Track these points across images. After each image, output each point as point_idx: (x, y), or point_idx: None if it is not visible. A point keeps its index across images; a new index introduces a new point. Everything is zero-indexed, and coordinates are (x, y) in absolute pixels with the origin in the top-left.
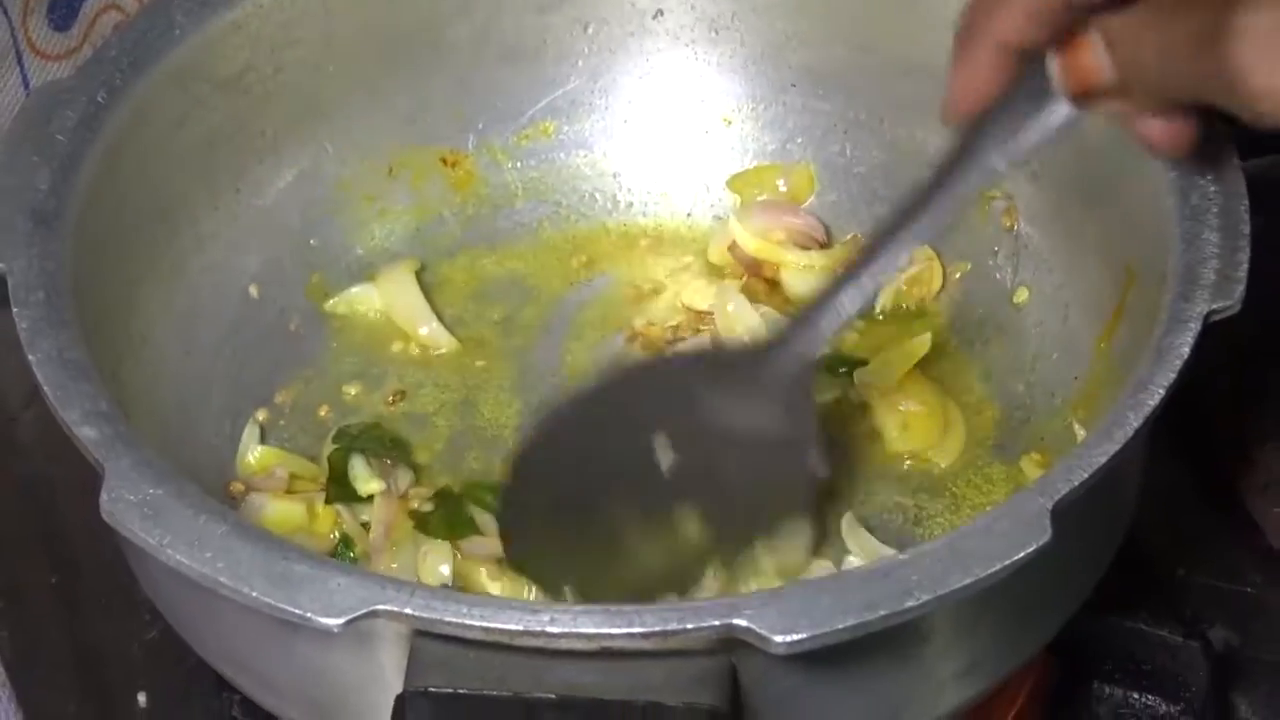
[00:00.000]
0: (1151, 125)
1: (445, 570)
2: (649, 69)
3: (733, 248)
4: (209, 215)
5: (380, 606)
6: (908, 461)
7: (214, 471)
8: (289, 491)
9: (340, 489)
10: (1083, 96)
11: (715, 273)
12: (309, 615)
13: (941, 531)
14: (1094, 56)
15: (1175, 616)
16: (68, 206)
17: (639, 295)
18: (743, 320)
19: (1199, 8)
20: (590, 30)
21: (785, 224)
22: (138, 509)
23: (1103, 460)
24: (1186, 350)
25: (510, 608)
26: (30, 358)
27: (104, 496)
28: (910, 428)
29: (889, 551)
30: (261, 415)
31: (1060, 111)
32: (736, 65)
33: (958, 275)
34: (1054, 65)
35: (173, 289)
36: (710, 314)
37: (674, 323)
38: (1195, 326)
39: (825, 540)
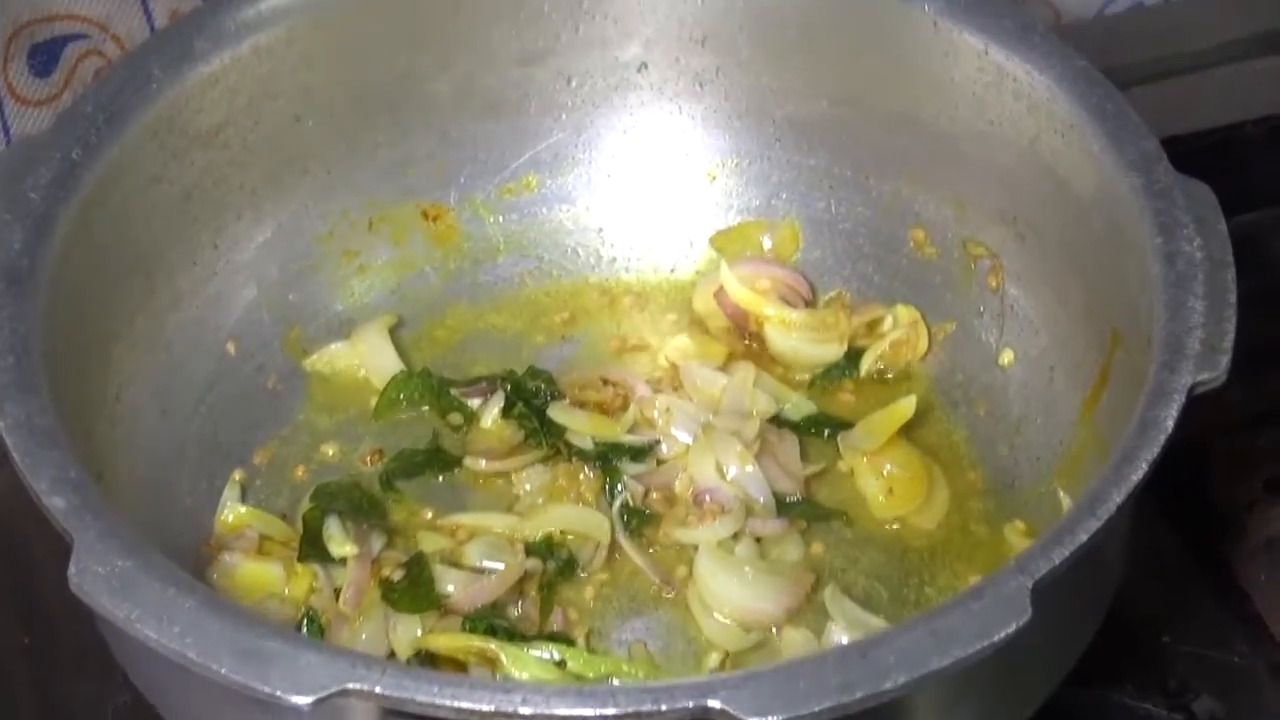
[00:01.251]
0: None
1: (416, 635)
2: (633, 123)
3: (719, 294)
4: (186, 271)
5: (351, 685)
6: (891, 526)
7: (189, 531)
8: (260, 552)
9: (313, 549)
10: None
11: (699, 325)
12: (278, 694)
13: (924, 598)
14: None
15: (1160, 688)
16: (41, 265)
17: (621, 352)
18: (705, 387)
19: None
20: (574, 83)
21: (770, 274)
22: (106, 581)
23: (1084, 538)
24: (1170, 424)
25: (482, 688)
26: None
27: (72, 568)
28: (894, 493)
29: (872, 620)
30: (238, 475)
31: None
32: (721, 120)
33: (942, 335)
34: None
35: (149, 346)
36: (691, 364)
37: (655, 378)
38: (1180, 399)
39: (806, 608)
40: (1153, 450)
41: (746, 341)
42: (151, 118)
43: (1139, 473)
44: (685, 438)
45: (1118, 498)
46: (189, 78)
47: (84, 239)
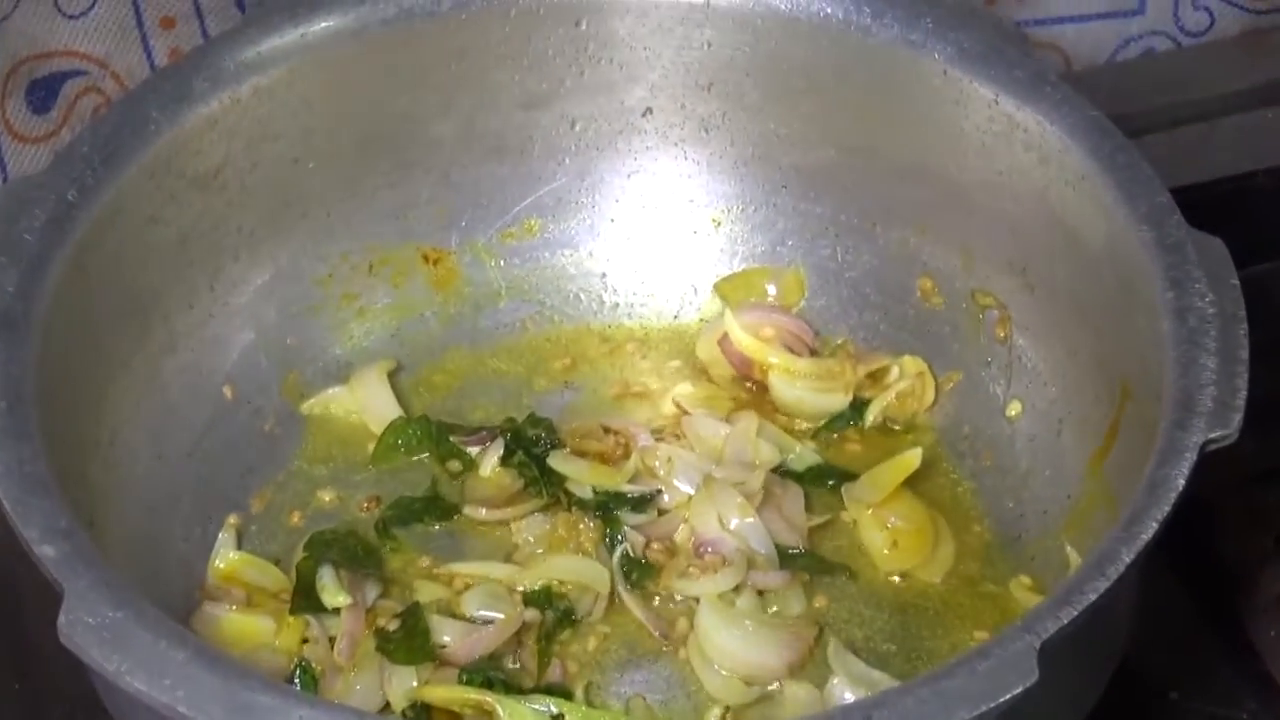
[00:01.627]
0: None
1: (412, 687)
2: (637, 167)
3: (723, 341)
4: (183, 314)
5: None
6: (896, 579)
7: (182, 578)
8: (250, 604)
9: (306, 600)
10: None
11: (702, 373)
12: None
13: (928, 652)
14: None
15: None
16: (35, 308)
17: (623, 398)
18: (708, 436)
19: None
20: (578, 128)
21: (775, 321)
22: (96, 632)
23: (1093, 598)
24: (1182, 482)
25: None
26: None
27: (62, 619)
28: (899, 545)
29: (875, 675)
30: (233, 520)
31: None
32: (726, 165)
33: (949, 386)
34: None
35: (144, 390)
36: (694, 413)
37: (657, 427)
38: (1191, 457)
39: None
40: (1163, 509)
41: (749, 386)
42: (149, 159)
43: (1149, 532)
44: (687, 488)
45: (1127, 557)
46: (188, 118)
47: (79, 281)
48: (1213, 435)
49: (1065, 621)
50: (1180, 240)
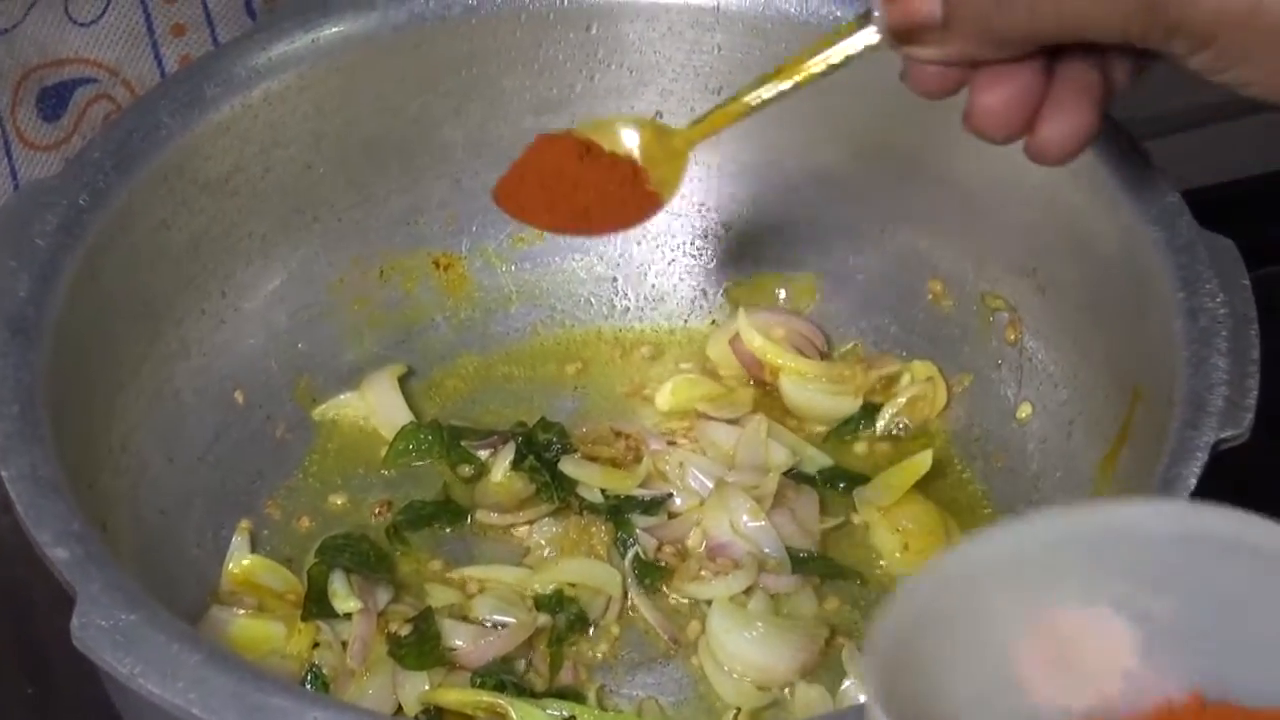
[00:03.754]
0: (982, 86)
1: (424, 691)
2: None
3: (734, 342)
4: (194, 320)
5: None
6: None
7: (194, 583)
8: (261, 609)
9: (318, 606)
10: (904, 34)
11: (712, 375)
12: None
13: None
14: None
15: None
16: (46, 313)
17: (633, 403)
18: (719, 441)
19: None
20: None
21: (785, 323)
22: (109, 635)
23: None
24: (1193, 482)
25: None
26: (3, 474)
27: (75, 621)
28: (910, 548)
29: None
30: (246, 524)
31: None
32: (737, 170)
33: (960, 389)
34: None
35: (156, 396)
36: (705, 418)
37: (668, 429)
38: (1202, 457)
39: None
40: None
41: (759, 386)
42: (161, 164)
43: None
44: (699, 492)
45: None
46: (199, 124)
47: (91, 287)
48: (1224, 435)
49: None
50: (1191, 240)
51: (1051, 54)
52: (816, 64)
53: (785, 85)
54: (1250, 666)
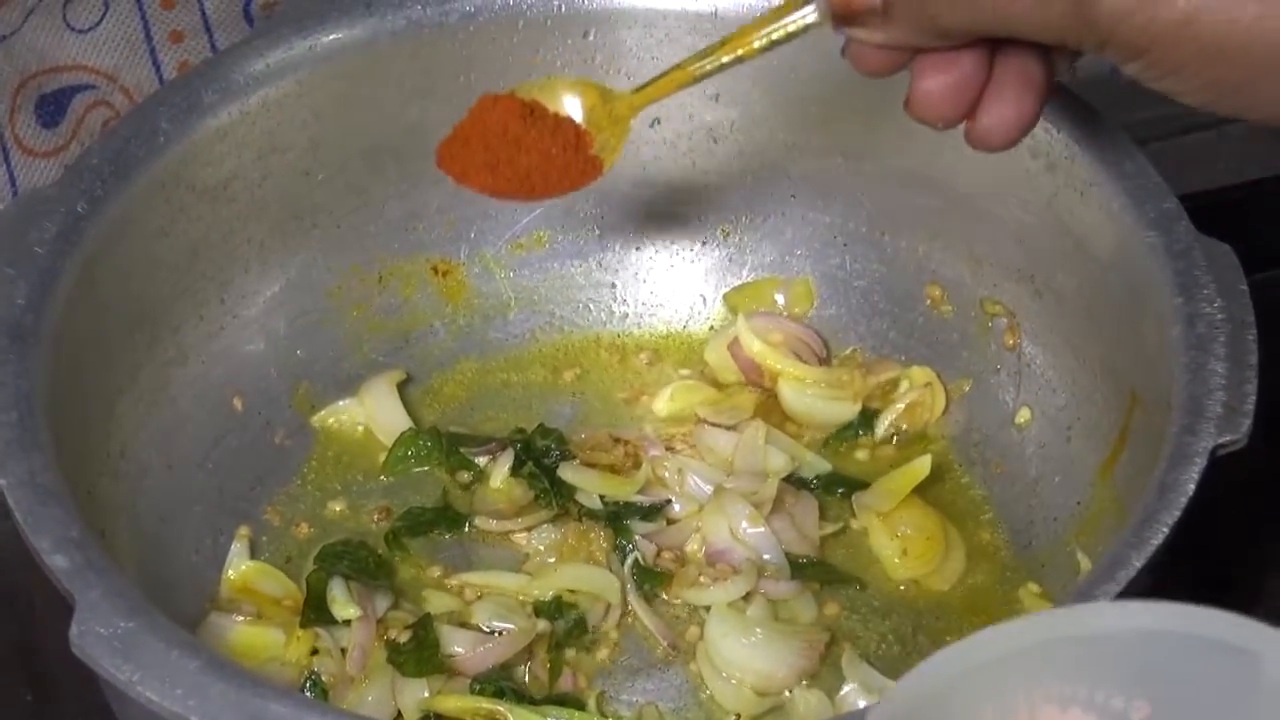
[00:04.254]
0: (923, 71)
1: (423, 697)
2: (645, 178)
3: (733, 347)
4: (192, 327)
5: None
6: (907, 587)
7: (193, 589)
8: (260, 616)
9: (317, 613)
10: (845, 18)
11: (710, 381)
12: None
13: None
14: None
15: None
16: (45, 320)
17: (632, 409)
18: (717, 447)
19: None
20: None
21: (784, 328)
22: (108, 642)
23: (1104, 602)
24: (1191, 487)
25: None
26: (1, 481)
27: (74, 629)
28: (909, 553)
29: (889, 684)
30: (245, 530)
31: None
32: (735, 176)
33: (959, 394)
34: None
35: (154, 402)
36: (704, 424)
37: (667, 435)
38: (1201, 462)
39: (819, 670)
40: (1173, 514)
41: (758, 391)
42: (159, 171)
43: (1159, 536)
44: (698, 497)
45: (1137, 561)
46: (197, 131)
47: (89, 293)
48: (1222, 440)
49: None
50: (1188, 245)
51: (994, 42)
52: (759, 39)
53: (726, 58)
54: None
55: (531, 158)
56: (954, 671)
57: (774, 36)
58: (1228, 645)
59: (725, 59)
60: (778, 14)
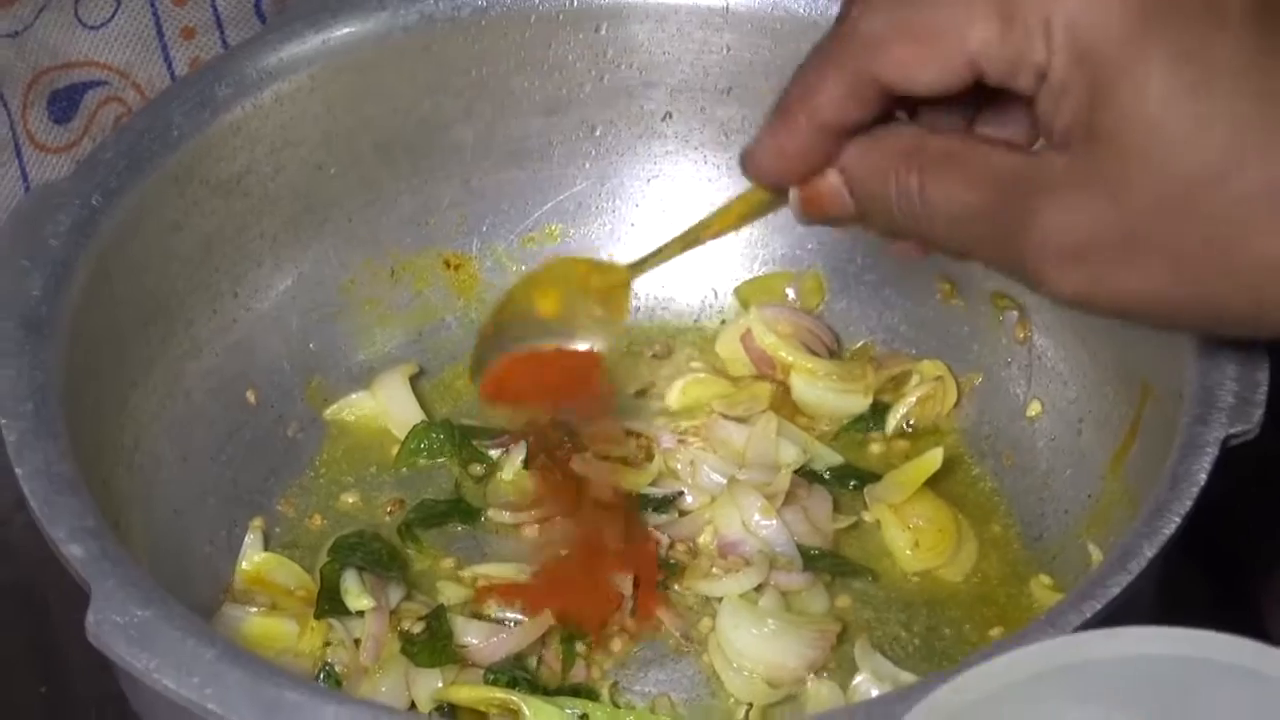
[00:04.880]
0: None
1: (437, 688)
2: (657, 172)
3: (745, 339)
4: (206, 320)
5: None
6: (919, 579)
7: (207, 580)
8: (274, 607)
9: (330, 604)
10: (817, 219)
11: (722, 374)
12: None
13: (951, 651)
14: (833, 193)
15: None
16: (60, 313)
17: (643, 402)
18: (729, 439)
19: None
20: (598, 132)
21: (794, 320)
22: (124, 631)
23: (1116, 591)
24: (1203, 477)
25: None
26: (17, 470)
27: (90, 618)
28: (921, 545)
29: (901, 674)
30: (258, 522)
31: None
32: None
33: (970, 387)
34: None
35: (168, 395)
36: (718, 417)
37: (679, 428)
38: (1213, 452)
39: (830, 661)
40: (1185, 504)
41: (770, 384)
42: (172, 165)
43: (1171, 526)
44: (711, 490)
45: (1149, 551)
46: (210, 125)
47: (103, 286)
48: (1234, 430)
49: (1088, 615)
50: None
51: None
52: (736, 220)
53: (700, 236)
54: None
55: (557, 399)
56: (965, 700)
57: (749, 219)
58: (1244, 670)
59: (706, 239)
60: (752, 198)
